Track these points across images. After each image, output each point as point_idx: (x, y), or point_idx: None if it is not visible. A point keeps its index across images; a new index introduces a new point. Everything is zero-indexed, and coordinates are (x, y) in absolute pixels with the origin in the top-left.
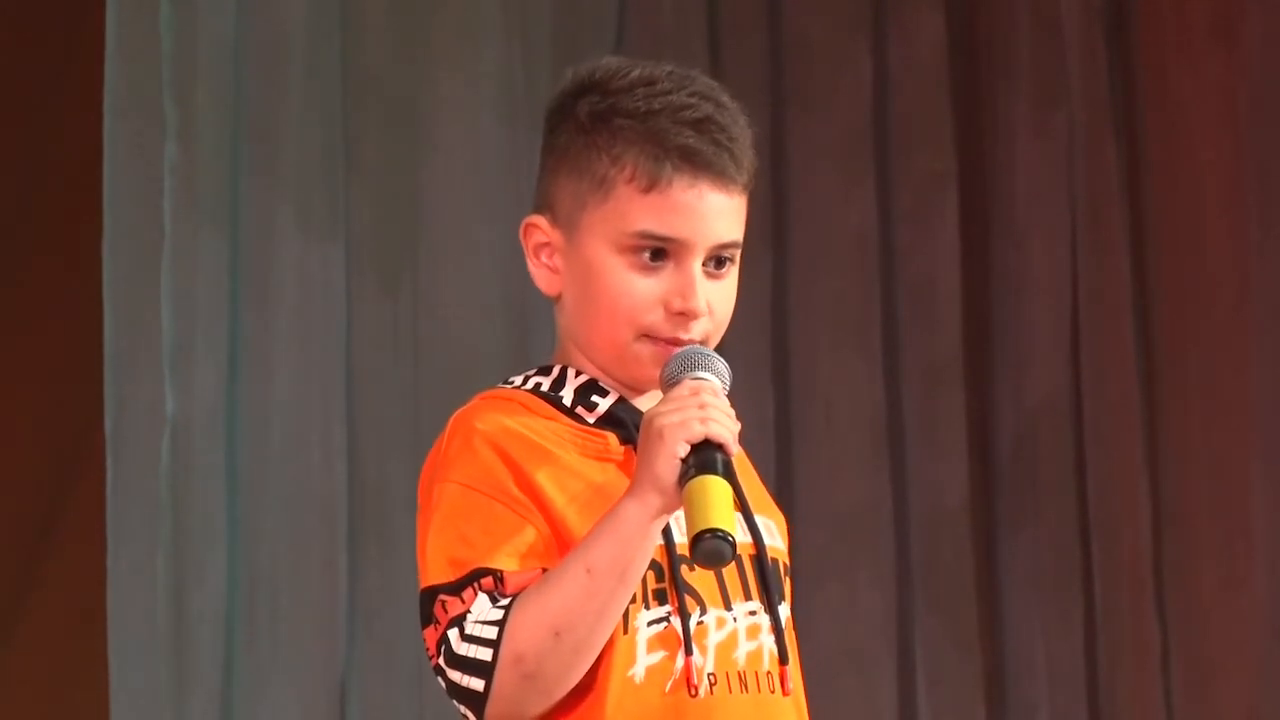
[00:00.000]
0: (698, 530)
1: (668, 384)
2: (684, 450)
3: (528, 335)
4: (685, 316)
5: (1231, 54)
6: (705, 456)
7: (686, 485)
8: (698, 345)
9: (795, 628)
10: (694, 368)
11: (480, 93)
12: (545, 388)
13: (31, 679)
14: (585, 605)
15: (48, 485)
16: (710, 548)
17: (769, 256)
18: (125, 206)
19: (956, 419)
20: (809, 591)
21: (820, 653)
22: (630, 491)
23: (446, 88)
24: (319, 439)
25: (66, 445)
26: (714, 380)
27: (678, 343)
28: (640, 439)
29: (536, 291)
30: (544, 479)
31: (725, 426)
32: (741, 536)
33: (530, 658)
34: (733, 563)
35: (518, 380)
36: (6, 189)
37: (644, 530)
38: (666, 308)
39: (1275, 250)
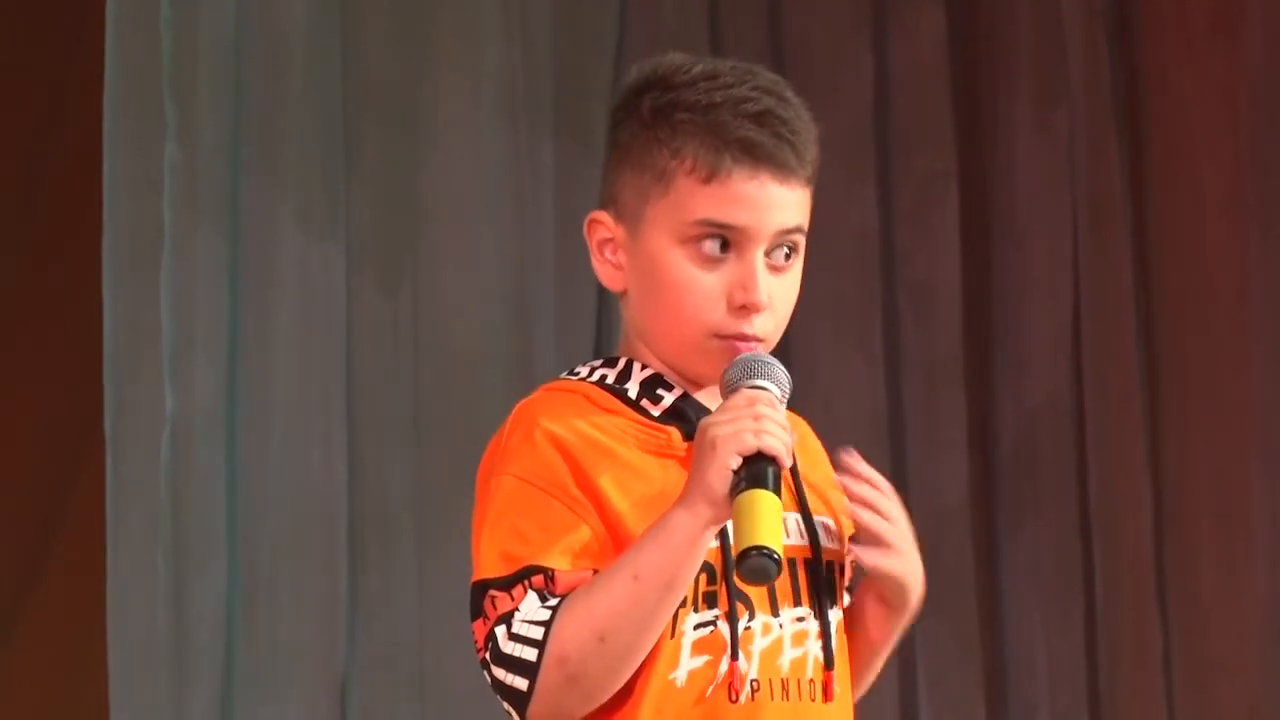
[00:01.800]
0: (744, 547)
1: (727, 389)
2: (736, 462)
3: (528, 335)
4: (747, 310)
5: (1233, 53)
6: (757, 469)
7: (736, 498)
8: (759, 352)
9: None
10: (753, 375)
11: (481, 92)
12: (610, 380)
13: (31, 679)
14: (630, 611)
15: (48, 485)
16: (755, 565)
17: None
18: (125, 206)
19: (957, 418)
20: None
21: None
22: (681, 500)
23: (447, 87)
24: (319, 439)
25: (66, 445)
26: (772, 389)
27: (743, 338)
28: (694, 448)
29: (538, 289)
30: (605, 480)
31: (779, 438)
32: (797, 539)
33: (574, 660)
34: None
35: (583, 371)
36: (6, 188)
37: (693, 540)
38: (729, 301)
39: (1276, 250)
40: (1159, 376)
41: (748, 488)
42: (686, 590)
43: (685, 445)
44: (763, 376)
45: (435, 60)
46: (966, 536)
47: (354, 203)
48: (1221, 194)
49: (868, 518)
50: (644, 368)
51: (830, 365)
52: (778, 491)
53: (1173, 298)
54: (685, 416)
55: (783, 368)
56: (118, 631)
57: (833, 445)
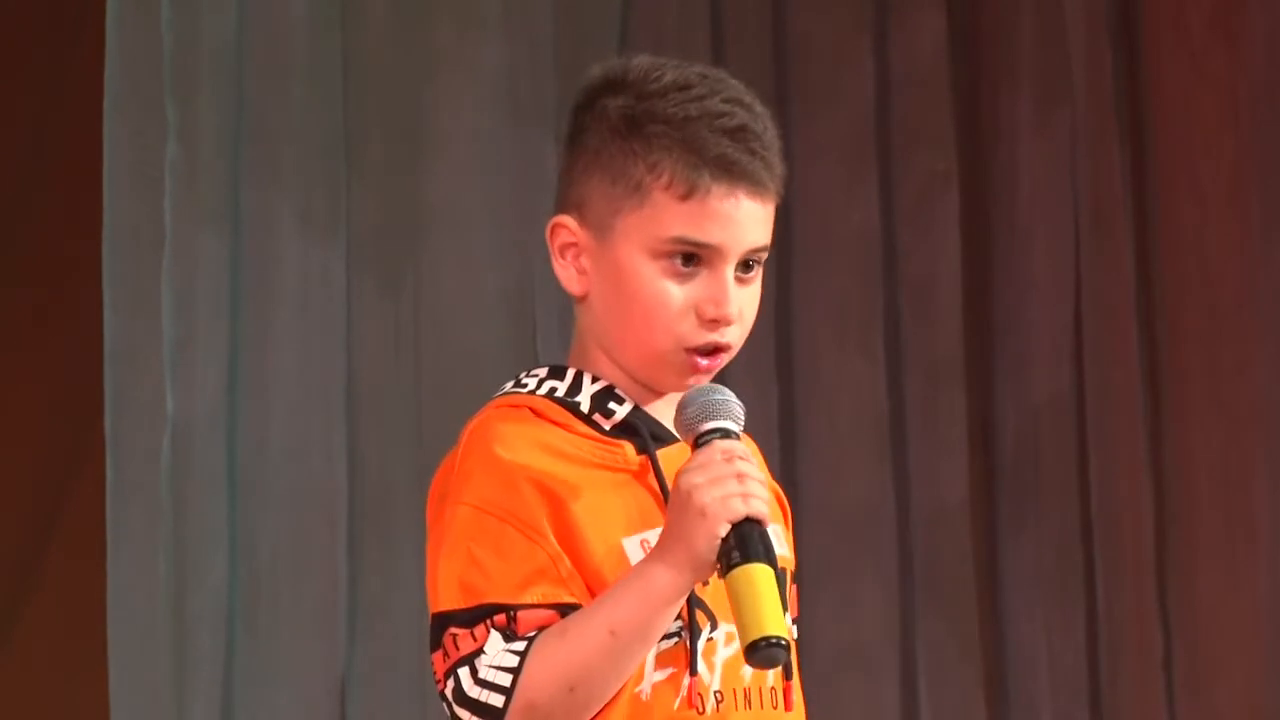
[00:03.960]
0: (754, 638)
1: (688, 430)
2: (725, 529)
3: (529, 335)
4: (718, 323)
5: (1233, 52)
6: (747, 536)
7: (732, 573)
8: (713, 385)
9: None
10: (713, 416)
11: (482, 92)
12: (561, 393)
13: (31, 679)
14: (603, 664)
15: (48, 485)
16: (766, 655)
17: (772, 255)
18: (126, 206)
19: (958, 418)
20: (811, 590)
21: (822, 651)
22: (662, 558)
23: (448, 89)
24: (320, 439)
25: (67, 445)
26: (735, 430)
27: (714, 347)
28: (674, 507)
29: (540, 289)
30: (563, 495)
31: (762, 500)
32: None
33: (542, 708)
34: None
35: (531, 383)
36: (7, 188)
37: (673, 600)
38: (700, 314)
39: (1277, 248)
40: (1160, 376)
41: (741, 560)
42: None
43: (638, 459)
44: (722, 416)
45: (437, 61)
46: (967, 536)
47: (355, 203)
48: (1222, 193)
49: None
50: (595, 380)
51: (832, 365)
52: (770, 558)
53: (1174, 297)
54: (637, 431)
55: (734, 397)
56: (118, 632)
57: (835, 445)
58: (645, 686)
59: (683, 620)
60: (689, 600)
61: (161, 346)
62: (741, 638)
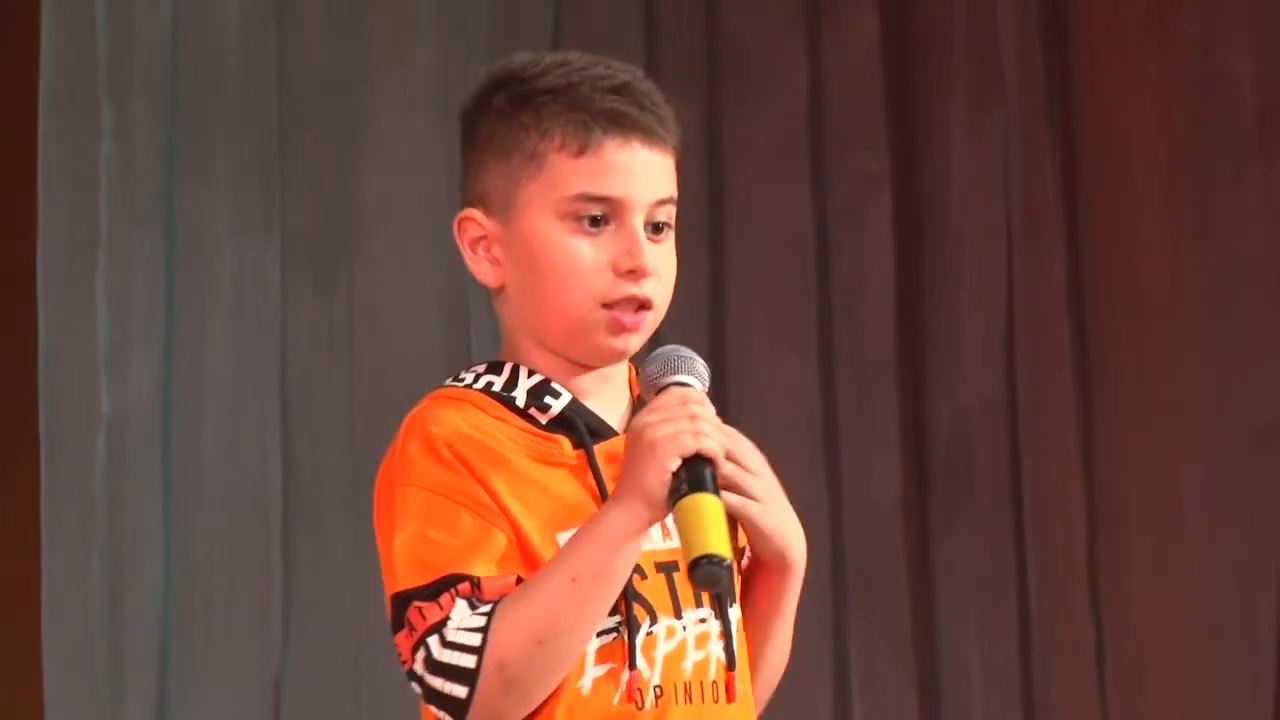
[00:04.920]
0: (695, 556)
1: (648, 385)
2: (675, 464)
3: (464, 334)
4: (635, 274)
5: (1165, 54)
6: (696, 471)
7: (679, 503)
8: (678, 346)
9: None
10: (674, 370)
11: (416, 91)
12: (497, 387)
13: None
14: (569, 613)
15: None
16: (707, 574)
17: (705, 254)
18: (61, 205)
19: (891, 418)
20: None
21: None
22: (618, 500)
23: (382, 86)
24: (255, 438)
25: (0, 445)
26: (695, 384)
27: (633, 300)
28: (628, 448)
29: (475, 290)
30: (501, 486)
31: (715, 439)
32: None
33: (512, 664)
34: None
35: (468, 378)
36: None
37: (631, 540)
38: (615, 269)
39: (1209, 250)
40: (1092, 377)
41: (690, 492)
42: (619, 591)
43: (575, 454)
44: (684, 371)
45: (371, 60)
46: (900, 537)
47: (290, 203)
48: (1154, 195)
49: (729, 469)
50: (531, 373)
51: (764, 364)
52: (717, 493)
53: (1106, 298)
54: (574, 425)
55: (700, 360)
56: (52, 632)
57: (768, 445)
58: (585, 682)
59: (621, 615)
60: (626, 594)
61: (96, 346)
62: (683, 559)
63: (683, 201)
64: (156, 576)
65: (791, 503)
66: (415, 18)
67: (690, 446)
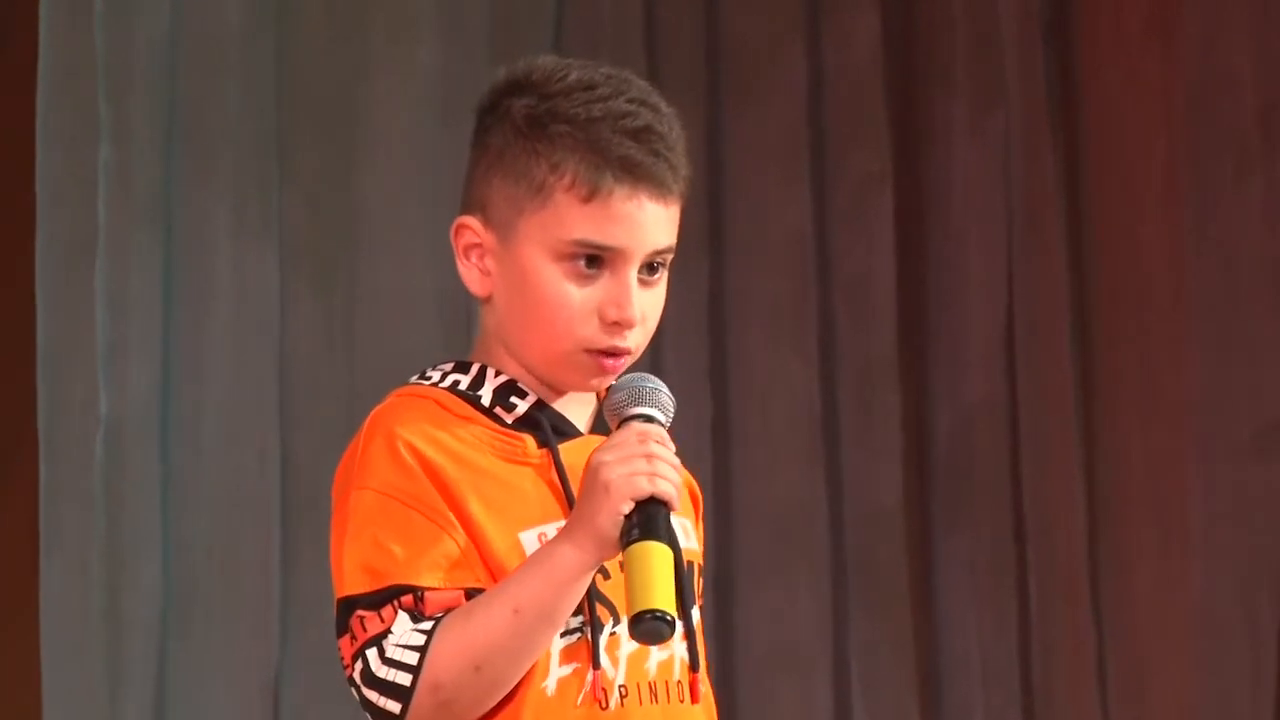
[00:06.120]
0: (639, 610)
1: (612, 414)
2: (629, 507)
3: (464, 334)
4: (620, 326)
5: (1167, 54)
6: (649, 515)
7: (629, 547)
8: (645, 374)
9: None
10: (639, 402)
11: (415, 92)
12: (463, 386)
13: None
14: (508, 644)
15: None
16: (649, 629)
17: (705, 256)
18: (59, 206)
19: (892, 419)
20: (745, 591)
21: (755, 652)
22: (568, 537)
23: (382, 87)
24: (253, 439)
25: None
26: (660, 418)
27: (614, 351)
28: (583, 484)
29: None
30: (464, 487)
31: (671, 482)
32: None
33: (448, 687)
34: None
35: (435, 376)
36: None
37: (577, 578)
38: (602, 317)
39: (1210, 250)
40: (1094, 376)
41: (640, 537)
42: (562, 625)
43: (540, 452)
44: (649, 404)
45: (370, 61)
46: (901, 537)
47: (289, 203)
48: (1156, 194)
49: None
50: (498, 374)
51: (765, 365)
52: (671, 539)
53: (1107, 298)
54: (539, 424)
55: (666, 389)
56: (51, 632)
57: (769, 445)
58: (550, 682)
59: (584, 615)
60: (590, 594)
61: (95, 347)
62: (628, 610)
63: (681, 208)
64: (155, 576)
65: (792, 502)
66: (415, 18)
67: (645, 490)
